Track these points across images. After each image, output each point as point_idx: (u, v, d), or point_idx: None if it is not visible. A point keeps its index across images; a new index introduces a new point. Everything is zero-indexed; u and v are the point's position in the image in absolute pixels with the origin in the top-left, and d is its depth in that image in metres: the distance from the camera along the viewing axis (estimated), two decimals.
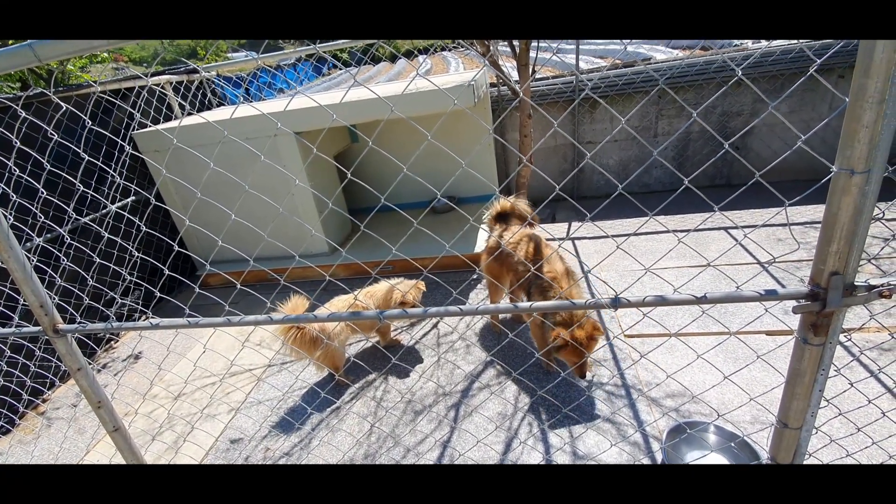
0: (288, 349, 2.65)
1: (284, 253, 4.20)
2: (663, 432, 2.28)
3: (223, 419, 2.80)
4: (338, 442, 2.51)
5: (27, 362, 2.83)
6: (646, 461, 2.18)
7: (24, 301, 1.77)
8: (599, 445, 2.24)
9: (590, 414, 2.46)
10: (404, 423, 2.59)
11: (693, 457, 2.09)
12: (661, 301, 1.35)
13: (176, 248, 1.77)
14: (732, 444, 2.08)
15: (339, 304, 2.87)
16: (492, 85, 4.92)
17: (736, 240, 3.84)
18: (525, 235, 2.76)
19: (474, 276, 3.96)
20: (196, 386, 3.07)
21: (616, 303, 1.37)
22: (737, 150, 4.93)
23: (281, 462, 2.46)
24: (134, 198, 3.99)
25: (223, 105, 5.40)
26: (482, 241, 4.19)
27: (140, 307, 4.08)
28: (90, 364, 3.45)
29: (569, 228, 4.57)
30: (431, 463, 2.31)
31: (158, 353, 3.52)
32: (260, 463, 2.47)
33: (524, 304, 1.44)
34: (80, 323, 1.82)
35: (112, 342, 3.82)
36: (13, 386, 2.76)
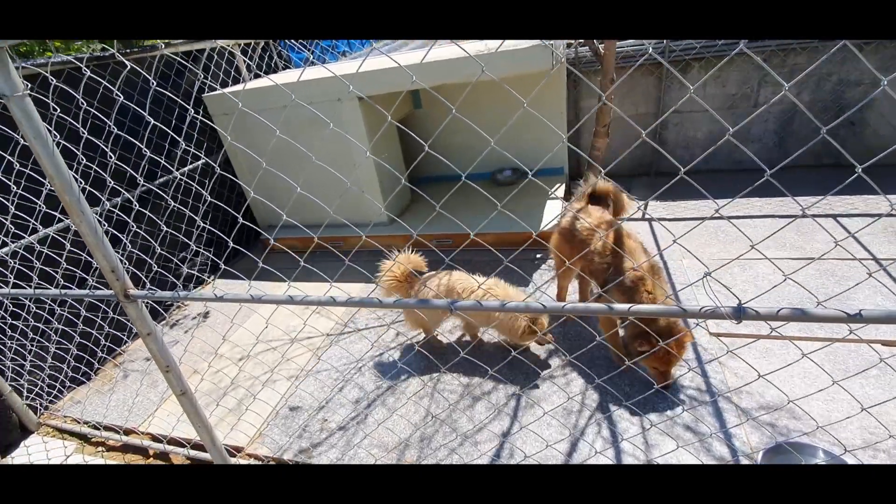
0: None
1: (342, 221, 4.16)
2: (755, 449, 2.02)
3: (283, 386, 2.83)
4: (392, 423, 2.45)
5: (102, 322, 2.97)
6: None
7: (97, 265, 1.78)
8: (679, 457, 2.01)
9: (669, 419, 2.22)
10: (461, 408, 2.48)
11: None
12: (801, 315, 1.09)
13: (239, 218, 1.69)
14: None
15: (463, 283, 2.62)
16: (567, 45, 4.49)
17: (848, 231, 3.32)
18: (605, 222, 2.47)
19: (538, 256, 3.73)
20: (260, 349, 3.13)
21: (740, 313, 1.13)
22: (852, 126, 4.24)
23: (337, 435, 2.45)
24: (203, 161, 4.06)
25: (289, 68, 5.35)
26: (548, 218, 3.92)
27: (208, 271, 4.22)
28: (160, 326, 3.63)
29: (645, 207, 4.17)
30: (487, 455, 2.19)
31: (227, 310, 3.62)
32: (318, 437, 2.47)
33: (621, 306, 1.22)
34: (149, 289, 1.82)
35: (180, 303, 3.99)
36: (90, 342, 2.91)
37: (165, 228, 2.71)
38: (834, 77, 4.11)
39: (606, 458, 2.07)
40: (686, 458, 2.01)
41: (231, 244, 1.68)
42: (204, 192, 1.97)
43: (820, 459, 1.82)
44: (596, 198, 2.61)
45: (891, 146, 1.17)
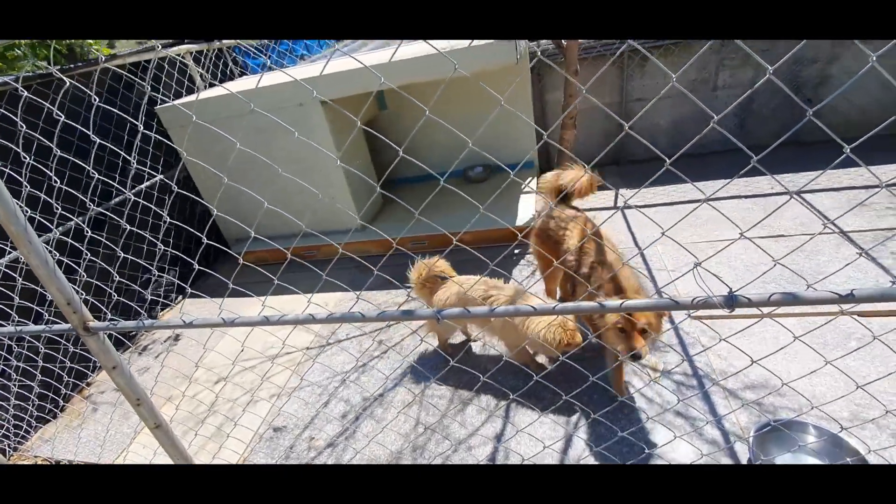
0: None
1: (313, 229, 4.04)
2: (745, 428, 2.05)
3: (264, 407, 2.71)
4: (382, 436, 2.38)
5: (64, 357, 2.79)
6: (726, 460, 1.95)
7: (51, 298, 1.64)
8: (673, 446, 2.02)
9: (656, 405, 2.23)
10: (451, 414, 2.43)
11: (784, 458, 1.85)
12: (793, 300, 1.08)
13: (203, 238, 1.59)
14: (834, 445, 1.83)
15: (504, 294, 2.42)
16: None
17: (810, 206, 3.44)
18: (582, 225, 2.42)
19: (517, 252, 3.71)
20: (236, 370, 2.99)
21: (732, 302, 1.12)
22: (808, 103, 4.39)
23: (325, 453, 2.36)
24: (161, 178, 3.86)
25: (245, 74, 5.16)
26: (524, 213, 3.91)
27: (175, 292, 4.03)
28: (127, 354, 3.44)
29: (616, 197, 4.22)
30: (482, 460, 2.15)
31: (198, 333, 3.46)
32: (305, 456, 2.38)
33: (613, 302, 1.20)
34: (111, 320, 1.69)
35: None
36: (53, 378, 2.73)
37: (122, 254, 2.55)
38: (790, 56, 4.24)
39: (602, 455, 2.07)
40: (682, 447, 2.02)
41: (196, 266, 1.58)
42: (163, 211, 1.85)
43: (811, 435, 1.86)
44: (564, 196, 2.56)
45: (846, 121, 1.18)
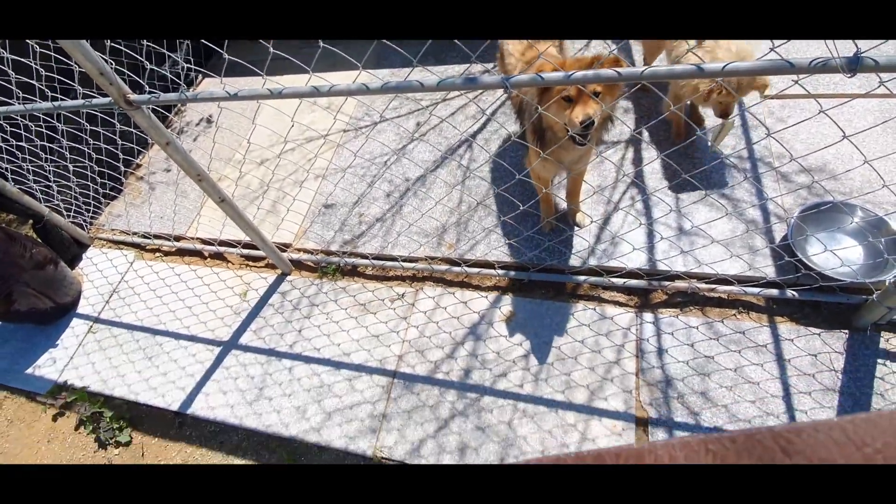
0: None
1: None
2: (789, 210, 2.07)
3: (312, 185, 2.83)
4: (428, 211, 2.50)
5: (111, 135, 2.78)
6: (760, 241, 2.05)
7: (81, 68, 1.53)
8: (713, 226, 2.08)
9: (705, 184, 2.23)
10: (494, 191, 2.50)
11: (822, 237, 1.92)
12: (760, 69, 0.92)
13: None
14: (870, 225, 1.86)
15: None
16: None
17: None
18: None
19: None
20: (278, 150, 3.03)
21: (855, 65, 0.96)
22: None
23: (376, 227, 2.56)
24: None
25: None
26: None
27: (194, 74, 3.78)
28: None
29: None
30: (526, 229, 2.30)
31: (227, 117, 3.39)
32: (357, 230, 2.58)
33: (713, 65, 1.05)
34: (150, 93, 1.62)
35: (178, 107, 3.70)
36: (104, 153, 2.79)
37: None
38: None
39: (640, 235, 2.17)
40: (720, 225, 2.08)
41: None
42: None
43: (857, 217, 1.88)
44: None
45: None
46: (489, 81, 1.23)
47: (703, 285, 1.95)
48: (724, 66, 1.02)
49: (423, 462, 1.88)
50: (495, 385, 1.99)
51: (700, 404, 1.78)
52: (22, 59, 2.08)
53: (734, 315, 1.94)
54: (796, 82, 1.10)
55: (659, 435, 1.76)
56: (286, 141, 3.05)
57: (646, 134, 2.52)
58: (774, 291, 1.87)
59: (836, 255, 1.67)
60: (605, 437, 1.79)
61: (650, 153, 2.43)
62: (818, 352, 1.79)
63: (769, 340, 1.85)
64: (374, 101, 3.19)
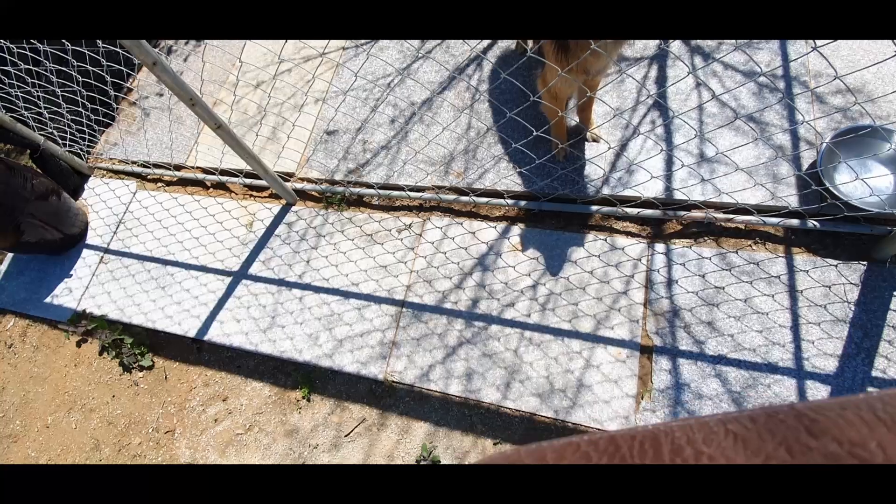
0: None
1: None
2: (821, 134, 1.94)
3: (312, 110, 2.69)
4: (434, 138, 2.39)
5: (95, 55, 2.61)
6: (786, 169, 1.94)
7: None
8: (739, 151, 1.96)
9: (734, 105, 2.08)
10: (504, 117, 2.36)
11: (852, 163, 1.81)
12: None
13: None
14: None
15: None
16: None
17: None
18: None
19: None
20: (273, 70, 2.85)
21: None
22: None
23: (381, 155, 2.46)
24: None
25: None
26: None
27: None
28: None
29: None
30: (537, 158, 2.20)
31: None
32: (362, 157, 2.49)
33: None
34: None
35: None
36: (91, 76, 2.64)
37: None
38: None
39: (658, 162, 2.06)
40: (745, 151, 1.97)
41: None
42: None
43: (895, 143, 1.75)
44: None
45: None
46: None
47: (721, 215, 1.89)
48: None
49: (433, 386, 1.95)
50: (502, 314, 2.01)
51: (706, 333, 1.79)
52: None
53: (749, 246, 1.89)
54: None
55: (662, 363, 1.80)
56: (281, 60, 2.85)
57: (675, 45, 2.31)
58: (795, 221, 1.80)
59: (866, 184, 1.58)
60: (609, 364, 1.83)
61: (676, 71, 2.24)
62: (832, 283, 1.76)
63: (783, 271, 1.82)
64: None
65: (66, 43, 2.35)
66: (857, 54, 2.02)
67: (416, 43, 2.72)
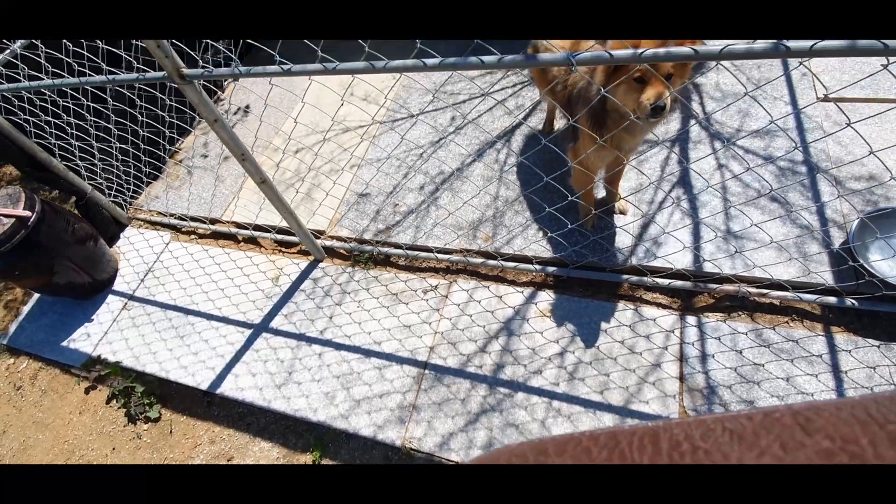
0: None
1: None
2: (846, 216, 1.97)
3: (347, 176, 2.83)
4: (463, 201, 2.47)
5: (153, 115, 2.84)
6: (815, 248, 1.95)
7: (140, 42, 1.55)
8: (767, 227, 2.00)
9: (756, 186, 2.14)
10: (526, 190, 2.46)
11: (879, 243, 1.82)
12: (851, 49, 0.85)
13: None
14: None
15: None
16: None
17: None
18: None
19: None
20: (313, 140, 3.04)
21: None
22: None
23: (410, 218, 2.54)
24: None
25: None
26: None
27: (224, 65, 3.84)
28: (204, 125, 3.49)
29: None
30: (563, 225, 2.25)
31: (262, 107, 3.43)
32: (391, 219, 2.57)
33: (739, 46, 0.98)
34: (204, 67, 1.63)
35: (218, 95, 3.77)
36: (142, 140, 2.84)
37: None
38: None
39: (685, 235, 2.10)
40: (772, 228, 2.00)
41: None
42: None
43: None
44: None
45: None
46: (553, 58, 1.19)
47: (754, 289, 1.87)
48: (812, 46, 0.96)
49: (453, 456, 1.83)
50: (529, 382, 1.93)
51: None
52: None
53: (786, 322, 1.84)
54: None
55: None
56: (322, 131, 3.06)
57: (694, 130, 2.45)
58: (832, 299, 1.78)
59: None
60: None
61: (697, 152, 2.35)
62: (876, 364, 1.69)
63: (824, 350, 1.75)
64: (410, 94, 3.19)
65: (135, 98, 2.56)
66: (876, 143, 2.11)
67: (446, 121, 2.92)
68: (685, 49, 1.04)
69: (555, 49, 1.95)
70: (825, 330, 1.80)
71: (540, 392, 1.90)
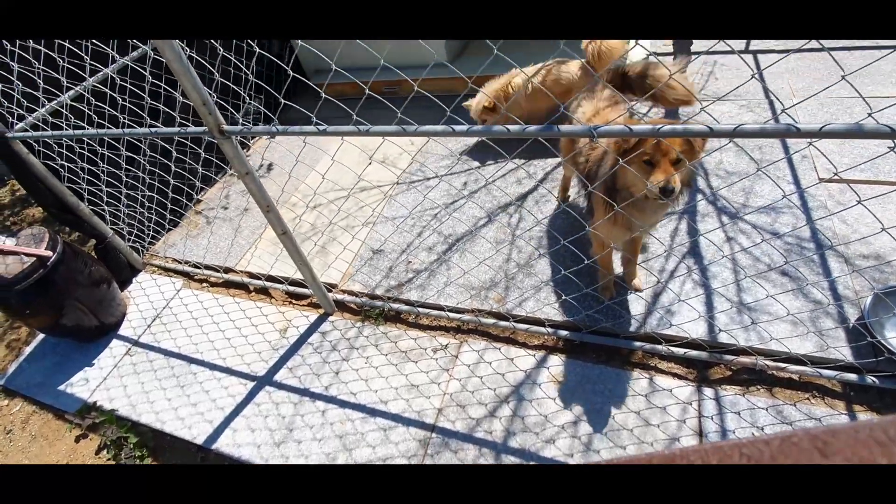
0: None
1: (396, 62, 3.80)
2: (858, 292, 1.99)
3: (362, 232, 2.90)
4: (475, 267, 2.51)
5: (181, 169, 2.97)
6: (829, 323, 1.95)
7: (186, 98, 1.67)
8: (780, 299, 2.01)
9: (767, 260, 2.17)
10: (540, 251, 2.50)
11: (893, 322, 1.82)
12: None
13: (289, 70, 1.50)
14: None
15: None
16: None
17: None
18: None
19: None
20: (332, 197, 3.15)
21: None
22: None
23: (423, 276, 2.56)
24: None
25: None
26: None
27: (262, 121, 4.09)
28: (227, 176, 3.65)
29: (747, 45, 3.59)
30: (575, 290, 2.26)
31: (288, 162, 3.59)
32: (404, 276, 2.59)
33: (725, 127, 1.06)
34: (243, 124, 1.74)
35: (246, 150, 3.96)
36: (170, 189, 2.95)
37: (217, 76, 2.51)
38: None
39: (698, 304, 2.11)
40: (785, 301, 2.00)
41: (282, 100, 1.56)
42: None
43: None
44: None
45: None
46: (575, 130, 1.27)
47: (771, 363, 1.84)
48: (735, 129, 1.04)
49: None
50: (541, 451, 1.85)
51: None
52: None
53: (807, 399, 1.79)
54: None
55: None
56: (340, 189, 3.18)
57: (701, 204, 2.53)
58: (852, 376, 1.74)
59: None
60: None
61: (705, 224, 2.42)
62: None
63: None
64: (426, 159, 3.35)
65: (171, 147, 2.70)
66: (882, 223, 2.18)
67: (460, 184, 3.04)
68: (700, 127, 1.12)
69: (579, 122, 2.07)
70: (848, 408, 1.74)
71: (552, 463, 1.81)
